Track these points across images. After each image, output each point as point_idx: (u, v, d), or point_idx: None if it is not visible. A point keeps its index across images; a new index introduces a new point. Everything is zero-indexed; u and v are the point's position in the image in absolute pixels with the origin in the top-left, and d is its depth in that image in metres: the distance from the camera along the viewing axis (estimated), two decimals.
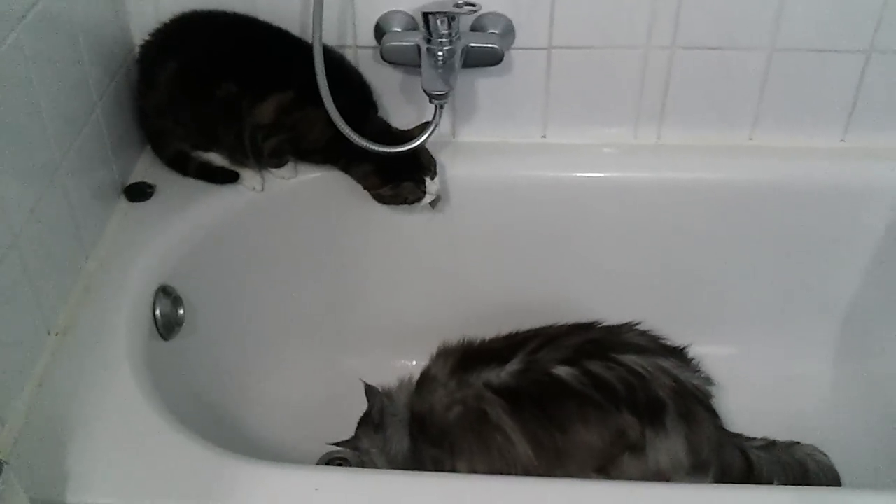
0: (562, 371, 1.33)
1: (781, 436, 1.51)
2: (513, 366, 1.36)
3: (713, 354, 1.47)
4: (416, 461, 1.38)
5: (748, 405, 1.52)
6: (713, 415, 1.40)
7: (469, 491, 1.15)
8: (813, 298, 1.77)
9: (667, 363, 1.37)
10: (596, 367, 1.34)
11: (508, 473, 1.31)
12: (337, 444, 1.44)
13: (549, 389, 1.33)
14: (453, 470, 1.34)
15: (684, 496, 1.17)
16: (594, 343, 1.39)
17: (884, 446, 1.62)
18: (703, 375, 1.41)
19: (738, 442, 1.46)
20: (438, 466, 1.35)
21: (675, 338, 1.47)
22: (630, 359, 1.35)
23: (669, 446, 1.32)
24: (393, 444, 1.39)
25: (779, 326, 1.80)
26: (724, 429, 1.44)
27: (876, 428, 1.67)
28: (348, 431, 1.47)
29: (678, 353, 1.42)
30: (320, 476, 1.18)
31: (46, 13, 1.28)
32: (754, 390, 1.60)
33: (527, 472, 1.31)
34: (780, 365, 1.80)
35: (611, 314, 1.48)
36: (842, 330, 1.79)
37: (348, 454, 1.47)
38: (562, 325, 1.44)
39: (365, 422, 1.45)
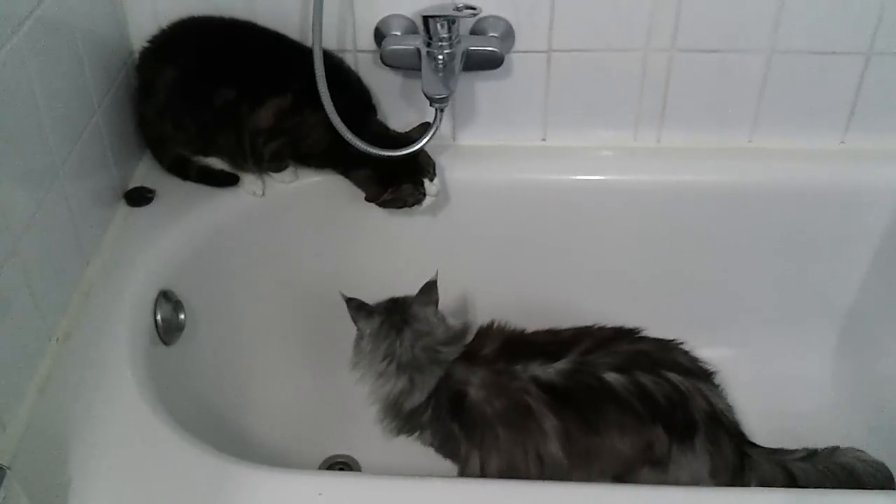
0: (612, 377, 1.34)
1: (781, 436, 1.50)
2: (563, 364, 1.35)
3: (713, 356, 1.46)
4: (434, 418, 1.38)
5: (748, 407, 1.51)
6: (739, 440, 1.40)
7: (476, 495, 1.16)
8: (813, 299, 1.78)
9: (703, 386, 1.38)
10: (645, 379, 1.34)
11: (529, 469, 1.32)
12: (350, 301, 1.41)
13: (596, 393, 1.33)
14: (467, 455, 1.34)
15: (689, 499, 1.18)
16: (646, 355, 1.39)
17: (885, 447, 1.61)
18: (727, 402, 1.41)
19: (778, 457, 1.43)
20: (453, 443, 1.36)
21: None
22: (675, 377, 1.35)
23: (694, 466, 1.33)
24: (409, 392, 1.38)
25: (779, 328, 1.81)
26: (757, 445, 1.44)
27: (877, 428, 1.67)
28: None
29: (710, 377, 1.42)
30: (324, 481, 1.18)
31: (46, 19, 1.28)
32: (755, 392, 1.60)
33: (552, 469, 1.32)
34: (781, 366, 1.80)
35: (611, 316, 1.47)
36: (842, 331, 1.80)
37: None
38: (604, 327, 1.44)
39: (388, 328, 1.41)
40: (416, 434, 1.42)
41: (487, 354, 1.39)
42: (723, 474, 1.36)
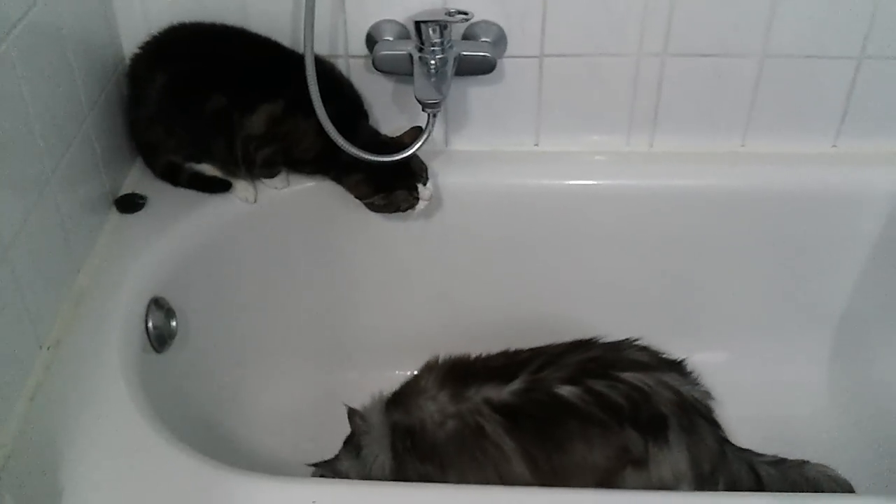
0: (565, 390, 1.32)
1: (775, 442, 1.50)
2: (515, 385, 1.34)
3: (706, 361, 1.47)
4: (401, 478, 1.36)
5: (741, 412, 1.51)
6: (715, 427, 1.39)
7: (468, 501, 1.15)
8: (805, 304, 1.78)
9: (668, 377, 1.36)
10: (599, 385, 1.33)
11: None
12: (316, 465, 1.43)
13: (552, 409, 1.32)
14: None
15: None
16: (595, 361, 1.38)
17: (877, 452, 1.62)
18: (702, 388, 1.40)
19: (747, 457, 1.43)
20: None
21: (668, 345, 1.46)
22: (631, 375, 1.34)
23: (672, 460, 1.32)
24: (374, 463, 1.37)
25: (772, 332, 1.81)
26: (729, 442, 1.43)
27: (869, 433, 1.67)
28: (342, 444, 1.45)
29: (678, 367, 1.41)
30: (318, 488, 1.17)
31: (36, 25, 1.27)
32: (747, 397, 1.60)
33: None
34: (773, 371, 1.80)
35: (604, 321, 1.47)
36: (835, 335, 1.80)
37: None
38: (561, 344, 1.42)
39: (347, 444, 1.44)
40: None
41: (434, 387, 1.38)
42: (705, 461, 1.35)
